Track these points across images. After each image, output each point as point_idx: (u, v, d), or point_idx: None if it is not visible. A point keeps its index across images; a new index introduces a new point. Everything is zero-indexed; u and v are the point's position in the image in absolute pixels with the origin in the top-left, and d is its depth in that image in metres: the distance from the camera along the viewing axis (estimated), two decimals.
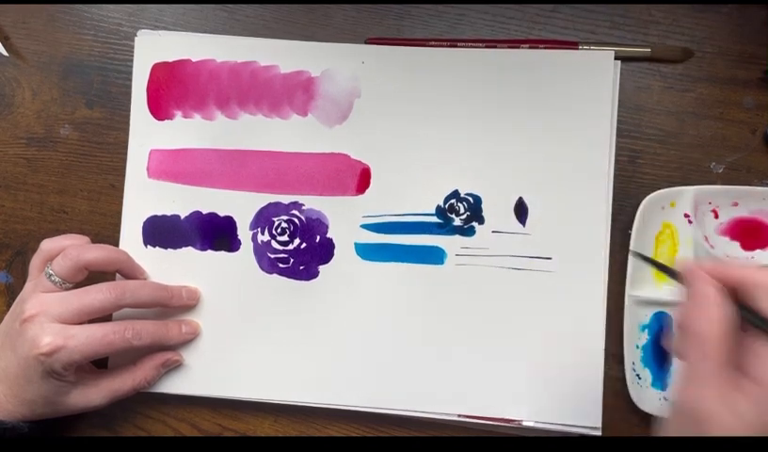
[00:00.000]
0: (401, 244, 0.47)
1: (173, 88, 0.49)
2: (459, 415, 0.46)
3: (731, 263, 0.30)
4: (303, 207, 0.48)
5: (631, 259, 0.45)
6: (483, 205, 0.47)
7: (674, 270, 0.34)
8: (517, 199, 0.46)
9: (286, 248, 0.48)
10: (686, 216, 0.45)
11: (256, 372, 0.47)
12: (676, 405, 0.30)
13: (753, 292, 0.29)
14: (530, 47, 0.47)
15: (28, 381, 0.42)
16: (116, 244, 0.48)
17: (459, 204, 0.47)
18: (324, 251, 0.47)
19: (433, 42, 0.48)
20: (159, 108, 0.49)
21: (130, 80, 0.49)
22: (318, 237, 0.48)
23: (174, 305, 0.46)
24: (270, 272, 0.48)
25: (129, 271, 0.46)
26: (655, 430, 0.32)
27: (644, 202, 0.45)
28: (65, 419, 0.45)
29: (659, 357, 0.46)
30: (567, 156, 0.46)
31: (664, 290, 0.46)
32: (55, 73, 0.50)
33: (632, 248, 0.44)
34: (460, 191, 0.47)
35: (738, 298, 0.30)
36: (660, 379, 0.45)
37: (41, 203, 0.50)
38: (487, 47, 0.47)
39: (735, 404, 0.28)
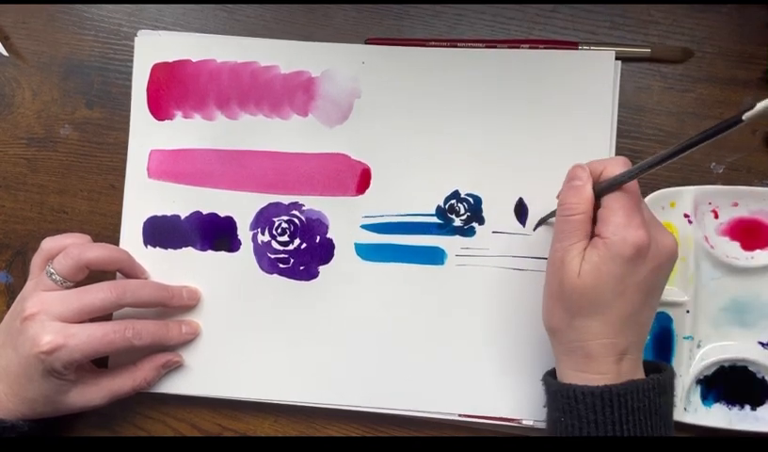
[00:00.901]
0: (401, 244, 0.47)
1: (173, 89, 0.49)
2: (459, 415, 0.46)
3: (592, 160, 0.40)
4: (303, 207, 0.48)
5: None
6: (483, 206, 0.47)
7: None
8: (517, 199, 0.46)
9: (286, 248, 0.48)
10: (686, 216, 0.45)
11: (256, 372, 0.47)
12: (549, 257, 0.39)
13: (605, 171, 0.39)
14: (530, 47, 0.47)
15: (29, 380, 0.42)
16: (116, 244, 0.48)
17: (459, 205, 0.47)
18: (324, 252, 0.47)
19: (433, 42, 0.48)
20: (159, 108, 0.49)
21: (130, 80, 0.49)
22: (318, 238, 0.48)
23: (174, 305, 0.46)
24: (270, 272, 0.48)
25: (130, 270, 0.46)
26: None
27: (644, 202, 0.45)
28: (65, 419, 0.45)
29: (659, 357, 0.46)
30: (567, 156, 0.46)
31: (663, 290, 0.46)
32: (55, 74, 0.50)
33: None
34: (460, 191, 0.47)
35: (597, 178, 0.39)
36: None
37: (41, 203, 0.50)
38: (487, 47, 0.47)
39: (585, 254, 0.37)
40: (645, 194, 0.45)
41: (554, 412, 0.39)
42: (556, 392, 0.39)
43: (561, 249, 0.38)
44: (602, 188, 0.38)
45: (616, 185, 0.37)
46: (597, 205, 0.38)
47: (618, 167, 0.38)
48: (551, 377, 0.41)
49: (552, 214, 0.41)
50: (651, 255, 0.37)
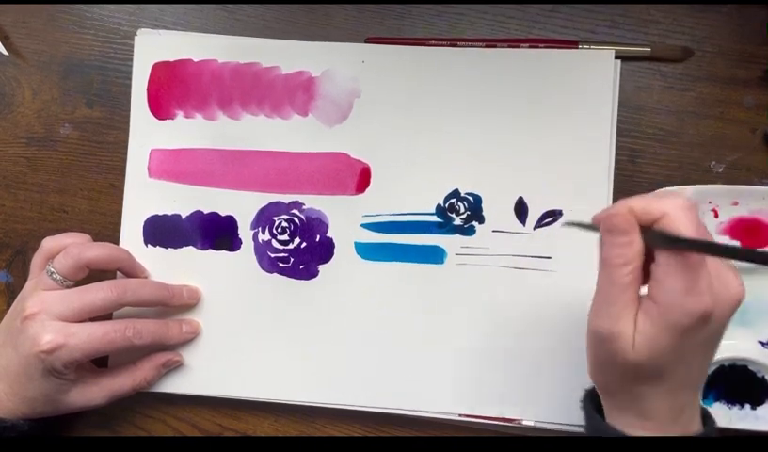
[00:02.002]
0: (401, 243, 0.47)
1: (174, 88, 0.49)
2: (459, 415, 0.46)
3: (644, 196, 0.33)
4: (303, 207, 0.48)
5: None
6: (483, 205, 0.47)
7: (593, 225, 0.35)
8: (517, 198, 0.46)
9: (286, 247, 0.48)
10: None
11: (256, 372, 0.47)
12: (589, 328, 0.34)
13: (661, 220, 0.32)
14: (530, 47, 0.47)
15: (29, 379, 0.42)
16: (116, 243, 0.48)
17: (459, 204, 0.47)
18: (324, 251, 0.47)
19: (433, 42, 0.48)
20: (160, 108, 0.49)
21: (130, 80, 0.49)
22: (318, 237, 0.48)
23: (175, 304, 0.46)
24: (270, 271, 0.48)
25: (130, 270, 0.46)
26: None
27: None
28: (65, 418, 0.45)
29: None
30: (567, 156, 0.46)
31: None
32: (55, 73, 0.50)
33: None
34: (460, 190, 0.47)
35: (646, 225, 0.32)
36: None
37: (41, 203, 0.50)
38: (487, 47, 0.47)
39: (644, 328, 0.31)
40: (645, 193, 0.45)
41: (592, 431, 0.36)
42: (602, 431, 0.35)
43: (608, 317, 0.32)
44: (657, 243, 0.32)
45: (676, 247, 0.31)
46: (648, 251, 0.32)
47: (683, 217, 0.31)
48: (591, 403, 0.37)
49: (589, 226, 0.36)
50: (716, 319, 0.32)
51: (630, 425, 0.35)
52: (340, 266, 0.47)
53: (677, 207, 0.31)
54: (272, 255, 0.48)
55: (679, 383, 0.33)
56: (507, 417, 0.46)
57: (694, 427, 0.35)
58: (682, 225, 0.31)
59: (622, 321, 0.32)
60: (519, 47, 0.47)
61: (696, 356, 0.33)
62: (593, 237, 0.46)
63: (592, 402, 0.37)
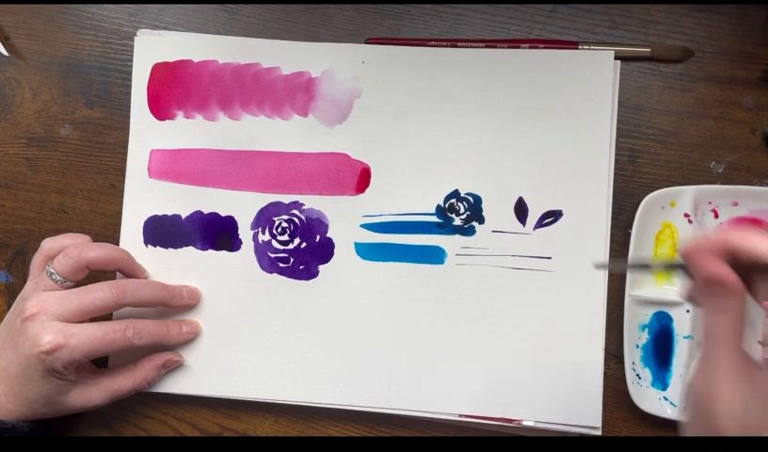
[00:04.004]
0: (401, 244, 0.47)
1: (174, 89, 0.49)
2: (459, 415, 0.46)
3: (722, 233, 0.30)
4: (303, 207, 0.48)
5: (631, 261, 0.45)
6: (483, 205, 0.47)
7: (679, 263, 0.32)
8: (517, 199, 0.46)
9: (286, 247, 0.48)
10: (686, 215, 0.45)
11: (256, 372, 0.47)
12: (690, 389, 0.31)
13: (754, 250, 0.29)
14: (530, 47, 0.47)
15: (29, 380, 0.42)
16: (116, 244, 0.48)
17: (459, 204, 0.47)
18: (324, 251, 0.47)
19: (433, 42, 0.48)
20: (160, 108, 0.49)
21: (130, 80, 0.49)
22: (318, 237, 0.48)
23: (175, 305, 0.46)
24: (270, 272, 0.48)
25: (130, 270, 0.46)
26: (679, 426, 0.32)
27: (644, 202, 0.45)
28: (65, 419, 0.45)
29: (659, 356, 0.46)
30: (567, 156, 0.46)
31: (664, 290, 0.46)
32: (55, 73, 0.50)
33: (631, 253, 0.44)
34: (460, 191, 0.47)
35: (738, 258, 0.30)
36: (660, 378, 0.45)
37: (41, 203, 0.50)
38: (487, 47, 0.47)
39: (743, 395, 0.28)
40: (644, 194, 0.45)
41: None
42: None
43: (704, 379, 0.29)
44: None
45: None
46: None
47: None
48: None
49: (636, 265, 0.33)
50: None
51: None
52: (340, 266, 0.47)
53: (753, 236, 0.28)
54: (272, 255, 0.48)
55: None
56: (507, 417, 0.46)
57: None
58: None
59: (723, 385, 0.29)
60: (519, 48, 0.47)
61: None
62: (593, 238, 0.46)
63: None
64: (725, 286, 0.29)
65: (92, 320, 0.43)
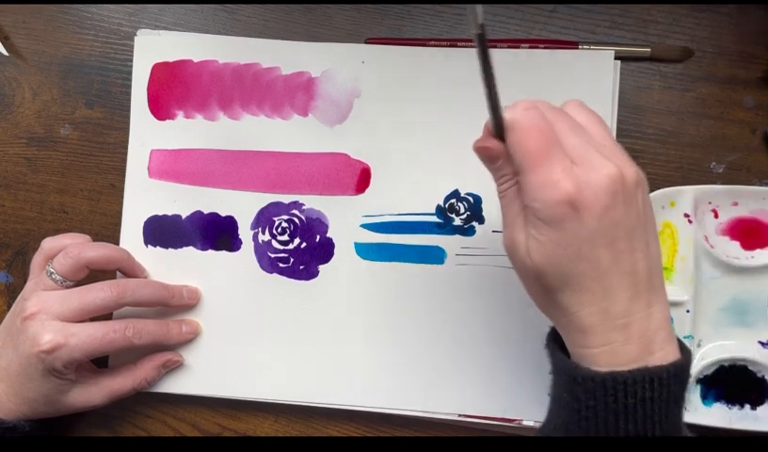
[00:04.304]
0: (401, 244, 0.47)
1: (174, 89, 0.49)
2: (459, 415, 0.46)
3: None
4: (303, 207, 0.48)
5: None
6: (483, 205, 0.47)
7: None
8: None
9: (286, 247, 0.48)
10: (686, 215, 0.45)
11: (256, 372, 0.47)
12: (504, 245, 0.35)
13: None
14: (530, 47, 0.47)
15: (29, 379, 0.42)
16: (116, 244, 0.48)
17: (459, 204, 0.47)
18: (324, 251, 0.47)
19: (433, 42, 0.48)
20: (160, 108, 0.49)
21: (130, 80, 0.49)
22: (318, 237, 0.48)
23: (175, 304, 0.46)
24: (270, 272, 0.48)
25: (130, 270, 0.46)
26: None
27: None
28: (65, 419, 0.45)
29: None
30: None
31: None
32: (55, 73, 0.50)
33: None
34: (460, 191, 0.47)
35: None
36: None
37: (41, 203, 0.50)
38: None
39: (527, 235, 0.33)
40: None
41: (557, 386, 0.35)
42: (558, 366, 0.34)
43: (504, 229, 0.35)
44: (498, 135, 0.34)
45: (498, 123, 0.33)
46: None
47: (524, 119, 0.33)
48: (554, 342, 0.36)
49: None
50: (588, 203, 0.31)
51: (578, 345, 0.33)
52: (340, 266, 0.47)
53: (517, 110, 0.33)
54: (272, 255, 0.48)
55: (595, 284, 0.32)
56: (507, 417, 0.46)
57: (655, 347, 0.32)
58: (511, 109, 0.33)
59: (514, 230, 0.33)
60: (519, 48, 0.47)
61: (595, 249, 0.31)
62: None
63: (556, 342, 0.36)
64: (490, 151, 0.34)
65: (92, 320, 0.43)
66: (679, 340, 0.35)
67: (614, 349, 0.32)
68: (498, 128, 0.34)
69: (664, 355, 0.33)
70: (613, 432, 0.32)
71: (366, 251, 0.47)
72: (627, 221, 0.32)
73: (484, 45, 0.32)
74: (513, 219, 0.34)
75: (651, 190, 0.45)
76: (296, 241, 0.48)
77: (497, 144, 0.34)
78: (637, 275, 0.32)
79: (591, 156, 0.32)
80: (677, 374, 0.32)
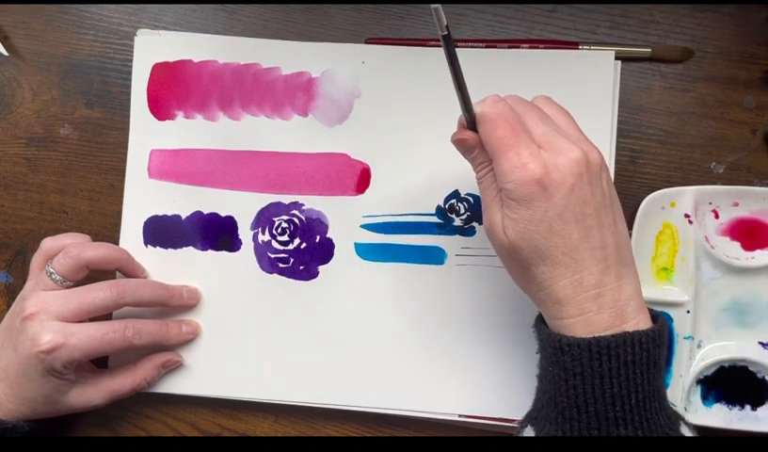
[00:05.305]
0: (401, 244, 0.47)
1: (174, 89, 0.49)
2: (459, 415, 0.46)
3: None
4: (303, 207, 0.48)
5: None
6: None
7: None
8: None
9: (286, 248, 0.48)
10: (686, 216, 0.45)
11: (256, 372, 0.47)
12: (484, 228, 0.38)
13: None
14: (530, 47, 0.47)
15: (29, 379, 0.42)
16: (116, 244, 0.48)
17: (459, 204, 0.47)
18: (324, 251, 0.47)
19: (433, 42, 0.48)
20: (160, 108, 0.49)
21: (130, 80, 0.49)
22: (318, 237, 0.48)
23: (174, 305, 0.46)
24: (270, 272, 0.48)
25: (129, 270, 0.46)
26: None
27: (644, 202, 0.45)
28: (65, 419, 0.45)
29: None
30: None
31: (664, 290, 0.46)
32: (55, 73, 0.50)
33: (633, 239, 0.45)
34: (460, 191, 0.47)
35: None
36: None
37: (41, 203, 0.50)
38: (487, 47, 0.47)
39: (503, 215, 0.36)
40: (644, 194, 0.45)
41: (543, 361, 0.37)
42: (544, 340, 0.37)
43: (484, 212, 0.38)
44: (471, 127, 0.37)
45: (470, 116, 0.36)
46: None
47: (492, 110, 0.36)
48: (543, 323, 0.38)
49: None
50: (556, 183, 0.34)
51: (556, 317, 0.36)
52: (340, 266, 0.47)
53: (486, 104, 0.36)
54: (272, 256, 0.48)
55: (562, 255, 0.34)
56: (507, 417, 0.46)
57: (628, 316, 0.35)
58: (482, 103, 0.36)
59: (491, 212, 0.37)
60: (519, 48, 0.47)
61: (565, 225, 0.34)
62: None
63: (543, 324, 0.38)
64: (465, 143, 0.37)
65: (92, 320, 0.43)
66: (651, 310, 0.37)
67: (588, 319, 0.35)
68: (470, 121, 0.37)
69: (637, 323, 0.35)
70: (600, 397, 0.34)
71: (366, 252, 0.47)
72: (593, 200, 0.35)
73: (450, 45, 0.35)
74: (490, 203, 0.37)
75: (652, 190, 0.45)
76: (296, 241, 0.48)
77: (472, 135, 0.37)
78: (606, 249, 0.35)
79: (558, 142, 0.35)
80: (654, 339, 0.34)
